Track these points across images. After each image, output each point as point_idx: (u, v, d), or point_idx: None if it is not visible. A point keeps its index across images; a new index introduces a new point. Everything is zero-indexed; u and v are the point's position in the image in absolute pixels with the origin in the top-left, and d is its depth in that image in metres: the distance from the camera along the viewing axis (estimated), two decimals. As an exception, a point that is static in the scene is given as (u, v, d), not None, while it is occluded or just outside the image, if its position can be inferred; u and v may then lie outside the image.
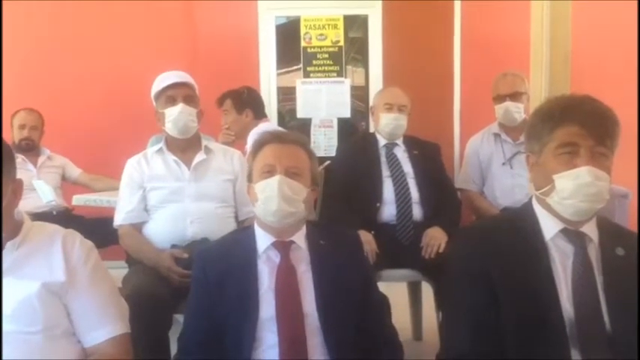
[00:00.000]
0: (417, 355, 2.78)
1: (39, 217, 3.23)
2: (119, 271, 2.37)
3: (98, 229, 2.79)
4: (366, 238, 2.61)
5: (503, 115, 3.21)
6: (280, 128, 3.75)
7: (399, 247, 2.79)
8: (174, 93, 2.51)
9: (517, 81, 3.20)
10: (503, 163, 3.21)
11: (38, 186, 3.66)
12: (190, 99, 2.52)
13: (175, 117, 2.49)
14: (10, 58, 4.55)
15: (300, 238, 1.75)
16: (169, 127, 2.52)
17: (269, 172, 1.71)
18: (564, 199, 1.42)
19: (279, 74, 4.99)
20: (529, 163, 1.54)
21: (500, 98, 3.22)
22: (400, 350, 1.78)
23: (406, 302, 3.29)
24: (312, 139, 4.88)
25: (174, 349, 1.83)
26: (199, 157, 2.55)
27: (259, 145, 1.78)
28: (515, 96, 3.18)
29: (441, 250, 2.66)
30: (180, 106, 2.48)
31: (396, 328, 1.84)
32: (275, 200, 1.67)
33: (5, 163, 1.47)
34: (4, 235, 1.49)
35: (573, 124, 1.41)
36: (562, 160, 1.42)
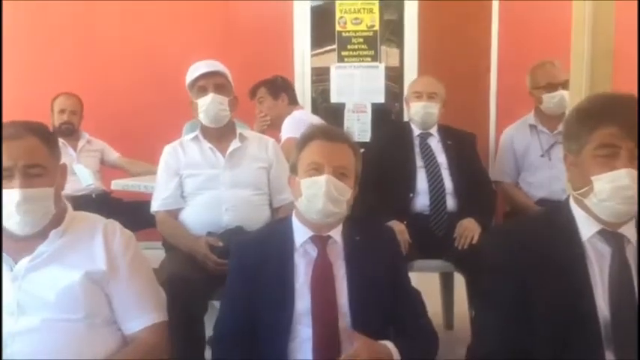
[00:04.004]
0: (448, 343, 2.79)
1: (79, 200, 3.34)
2: (156, 252, 2.43)
3: (136, 212, 2.87)
4: (399, 228, 2.61)
5: (557, 104, 3.10)
6: (316, 117, 3.74)
7: (432, 238, 2.78)
8: (205, 83, 2.54)
9: (564, 70, 3.08)
10: (542, 155, 3.14)
11: (78, 170, 3.74)
12: (222, 87, 2.55)
13: (206, 107, 2.52)
14: (50, 44, 4.63)
15: (337, 233, 1.76)
16: (202, 117, 2.56)
17: (316, 170, 1.69)
18: (602, 201, 1.40)
19: (312, 55, 4.96)
20: (567, 162, 1.52)
21: (552, 86, 3.11)
22: (435, 339, 1.79)
23: (438, 291, 3.29)
24: (345, 125, 4.86)
25: (209, 333, 1.87)
26: (234, 144, 2.57)
27: (306, 139, 1.76)
28: (566, 84, 3.07)
29: (474, 242, 2.63)
30: (210, 96, 2.51)
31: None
32: (321, 200, 1.66)
33: (55, 149, 1.56)
34: (49, 222, 1.55)
35: (612, 124, 1.38)
36: (601, 161, 1.40)
